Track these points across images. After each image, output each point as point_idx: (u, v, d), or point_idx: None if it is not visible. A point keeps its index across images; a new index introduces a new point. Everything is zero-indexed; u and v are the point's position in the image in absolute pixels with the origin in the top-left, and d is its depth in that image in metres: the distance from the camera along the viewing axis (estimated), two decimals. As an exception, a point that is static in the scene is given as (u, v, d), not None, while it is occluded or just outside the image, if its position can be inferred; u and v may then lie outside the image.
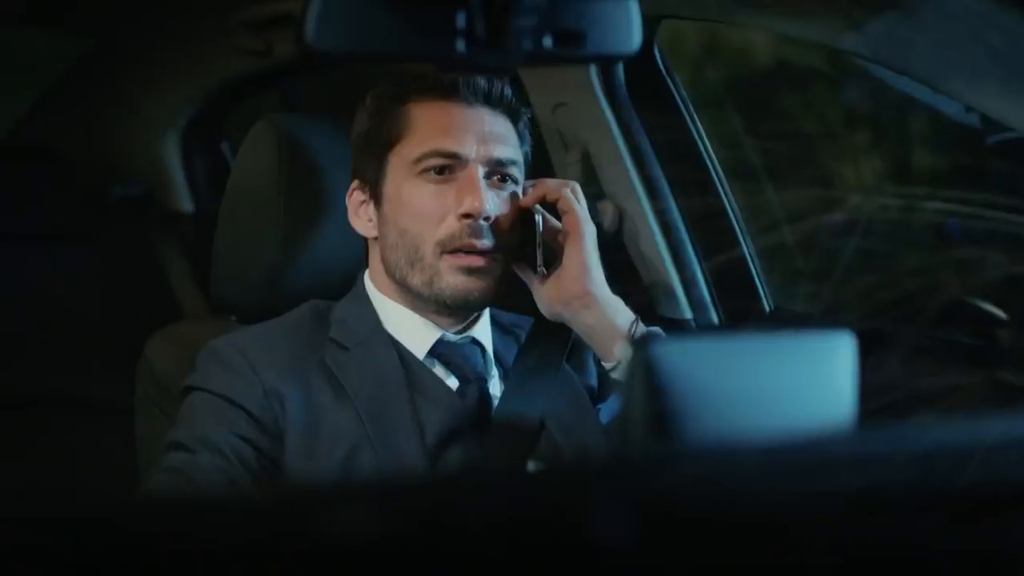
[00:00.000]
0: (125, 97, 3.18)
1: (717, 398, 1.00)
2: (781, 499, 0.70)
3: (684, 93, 2.32)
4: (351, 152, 1.93)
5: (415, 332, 1.88)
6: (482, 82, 1.84)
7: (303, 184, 2.03)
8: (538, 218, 1.86)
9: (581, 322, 1.86)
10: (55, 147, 3.16)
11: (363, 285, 1.93)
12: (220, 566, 0.60)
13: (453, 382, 1.87)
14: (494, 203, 1.82)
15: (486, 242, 1.81)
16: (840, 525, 0.71)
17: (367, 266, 1.95)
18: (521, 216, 1.86)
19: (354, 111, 1.94)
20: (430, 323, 1.88)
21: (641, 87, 2.29)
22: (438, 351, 1.88)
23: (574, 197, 1.87)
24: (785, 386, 1.05)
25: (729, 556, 0.63)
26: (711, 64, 2.72)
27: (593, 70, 2.25)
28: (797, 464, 0.76)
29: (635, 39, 1.21)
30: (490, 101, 1.85)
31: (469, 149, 1.82)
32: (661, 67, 2.29)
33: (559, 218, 1.88)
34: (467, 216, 1.80)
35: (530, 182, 1.90)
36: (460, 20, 1.11)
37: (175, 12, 2.88)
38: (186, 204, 3.22)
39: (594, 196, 2.28)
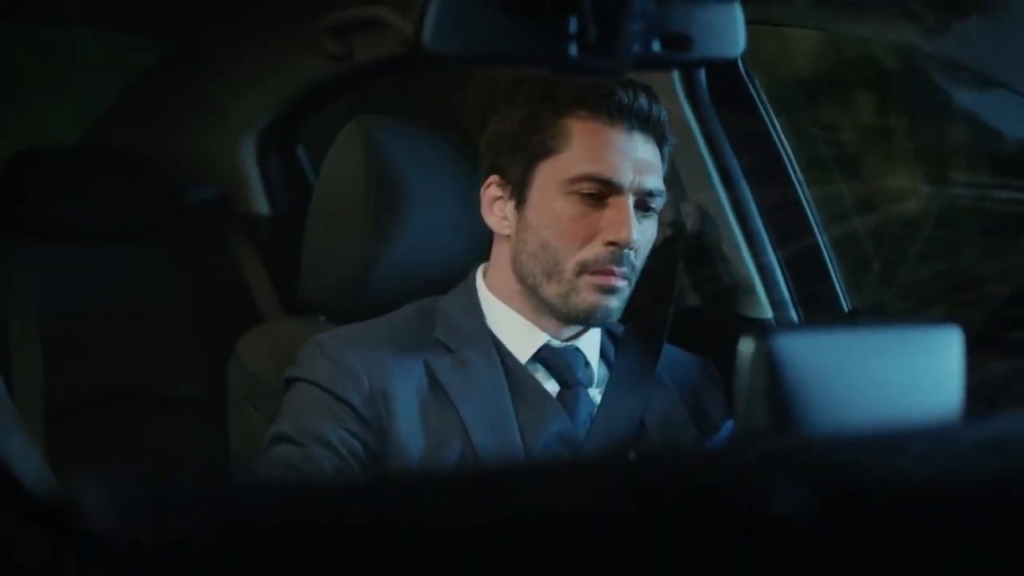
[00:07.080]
0: (202, 99, 3.20)
1: (831, 389, 1.03)
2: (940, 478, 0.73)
3: (762, 92, 2.34)
4: (488, 147, 1.92)
5: (521, 336, 1.90)
6: (644, 106, 1.84)
7: (392, 186, 2.06)
8: None
9: None
10: (131, 148, 3.19)
11: (474, 280, 1.95)
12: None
13: (553, 387, 1.89)
14: (638, 231, 1.84)
15: (625, 268, 1.84)
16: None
17: (487, 260, 1.96)
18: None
19: (430, 115, 1.96)
20: (536, 328, 1.90)
21: (721, 86, 2.31)
22: (541, 355, 1.90)
23: None
24: (895, 379, 1.08)
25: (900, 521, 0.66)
26: (785, 63, 2.73)
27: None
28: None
29: (740, 43, 1.23)
30: (646, 127, 1.86)
31: (625, 178, 1.83)
32: (740, 67, 2.31)
33: None
34: (613, 244, 1.82)
35: None
36: (572, 25, 1.14)
37: (255, 15, 2.91)
38: (262, 207, 3.24)
39: (675, 196, 2.31)
